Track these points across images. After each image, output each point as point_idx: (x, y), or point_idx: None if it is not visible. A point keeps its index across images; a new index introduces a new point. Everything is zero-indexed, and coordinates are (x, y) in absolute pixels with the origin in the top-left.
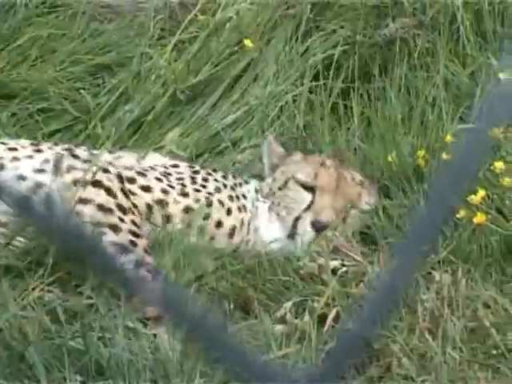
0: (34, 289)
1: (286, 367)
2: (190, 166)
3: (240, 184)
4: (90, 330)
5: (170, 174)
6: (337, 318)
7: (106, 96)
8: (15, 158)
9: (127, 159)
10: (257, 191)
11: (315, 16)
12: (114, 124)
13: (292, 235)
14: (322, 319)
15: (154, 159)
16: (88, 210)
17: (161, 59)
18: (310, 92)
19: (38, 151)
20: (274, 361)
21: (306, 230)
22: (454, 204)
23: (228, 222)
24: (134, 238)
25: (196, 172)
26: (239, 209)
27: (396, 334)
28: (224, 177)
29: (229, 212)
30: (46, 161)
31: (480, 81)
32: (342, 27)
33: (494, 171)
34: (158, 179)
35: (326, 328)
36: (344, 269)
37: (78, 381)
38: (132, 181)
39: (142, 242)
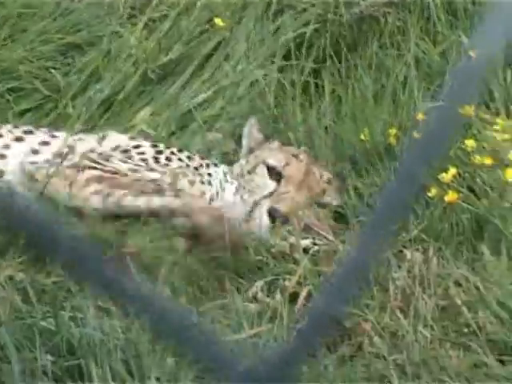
0: (4, 268)
1: (256, 347)
2: (153, 146)
3: (207, 165)
4: (61, 309)
5: (131, 156)
6: (308, 297)
7: (77, 75)
8: None
9: (88, 142)
10: (225, 174)
11: None
12: (84, 103)
13: (248, 219)
14: (293, 298)
15: (116, 140)
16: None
17: (131, 38)
18: (281, 71)
19: None
20: (246, 340)
21: (262, 216)
22: (423, 181)
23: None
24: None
25: (159, 152)
26: (201, 191)
27: (367, 313)
28: (189, 157)
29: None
30: (6, 146)
31: (451, 59)
32: (313, 5)
33: (465, 149)
34: (123, 162)
35: (297, 306)
36: (315, 248)
37: (49, 360)
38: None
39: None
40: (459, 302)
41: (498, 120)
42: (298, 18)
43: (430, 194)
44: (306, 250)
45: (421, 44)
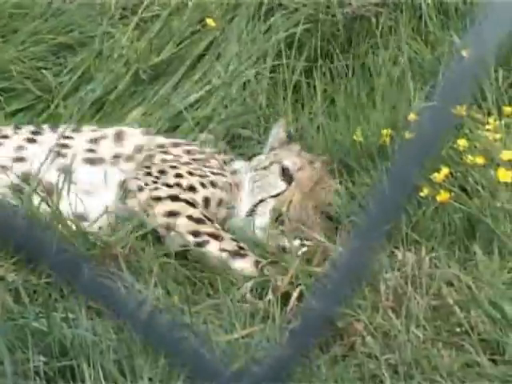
0: None
1: (248, 347)
2: (175, 144)
3: (231, 160)
4: (54, 310)
5: (183, 163)
6: (300, 297)
7: (68, 75)
8: None
9: (135, 136)
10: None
11: None
12: (76, 103)
13: (250, 214)
14: (285, 298)
15: (135, 139)
16: (181, 222)
17: (123, 38)
18: (273, 71)
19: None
20: (238, 340)
21: (264, 213)
22: (415, 182)
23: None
24: (238, 243)
25: (188, 152)
26: (237, 186)
27: (360, 313)
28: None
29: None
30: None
31: (443, 59)
32: (305, 5)
33: (458, 149)
34: (190, 173)
35: (289, 307)
36: (304, 249)
37: (41, 361)
38: (193, 191)
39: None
40: (451, 301)
41: (490, 120)
42: (289, 18)
43: (422, 194)
44: (295, 251)
45: (412, 44)
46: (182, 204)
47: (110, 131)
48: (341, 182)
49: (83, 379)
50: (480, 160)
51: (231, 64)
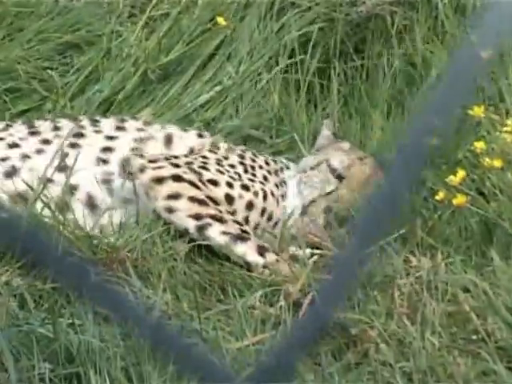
0: (1, 274)
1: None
2: (230, 148)
3: (282, 169)
4: (60, 316)
5: (221, 161)
6: (312, 304)
7: (75, 75)
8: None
9: (188, 139)
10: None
11: None
12: (83, 104)
13: (303, 214)
14: (297, 305)
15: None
16: (183, 204)
17: (131, 37)
18: (285, 71)
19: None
20: (248, 347)
21: (317, 214)
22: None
23: (277, 213)
24: (242, 227)
25: (242, 156)
26: (282, 197)
27: (374, 320)
28: (267, 162)
29: (278, 202)
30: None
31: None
32: (318, 4)
33: (475, 151)
34: (219, 171)
35: (301, 314)
36: (315, 257)
37: (46, 368)
38: (199, 175)
39: (248, 229)
40: (468, 308)
41: (508, 121)
42: (302, 17)
43: (437, 198)
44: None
45: (428, 44)
46: (185, 185)
47: (160, 134)
48: None
49: None
50: (497, 163)
51: (242, 64)
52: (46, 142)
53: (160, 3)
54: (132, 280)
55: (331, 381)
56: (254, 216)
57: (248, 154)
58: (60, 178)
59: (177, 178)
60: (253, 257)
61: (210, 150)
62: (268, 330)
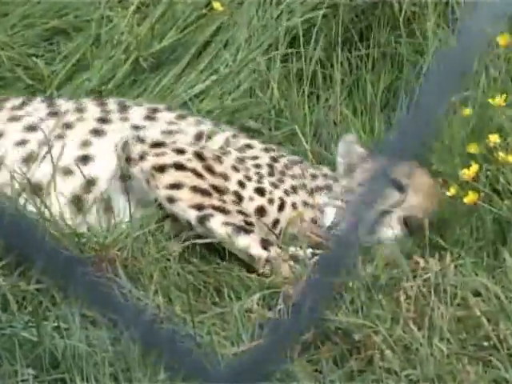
0: None
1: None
2: (266, 149)
3: (327, 187)
4: (44, 319)
5: (245, 160)
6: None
7: (62, 63)
8: None
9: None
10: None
11: None
12: (71, 93)
13: (372, 231)
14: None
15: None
16: (184, 194)
17: (122, 23)
18: (286, 60)
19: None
20: (245, 353)
21: (394, 225)
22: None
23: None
24: (246, 218)
25: (275, 159)
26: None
27: (378, 325)
28: (313, 176)
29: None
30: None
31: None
32: None
33: (488, 145)
34: (234, 167)
35: (301, 318)
36: (316, 258)
37: (30, 374)
38: (207, 163)
39: (255, 221)
40: (478, 312)
41: None
42: (304, 2)
43: (448, 194)
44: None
45: (439, 32)
46: (187, 174)
47: (191, 130)
48: None
49: None
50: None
51: (240, 52)
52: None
53: None
54: (122, 281)
55: None
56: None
57: (283, 160)
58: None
59: (179, 167)
60: (256, 250)
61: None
62: (266, 334)
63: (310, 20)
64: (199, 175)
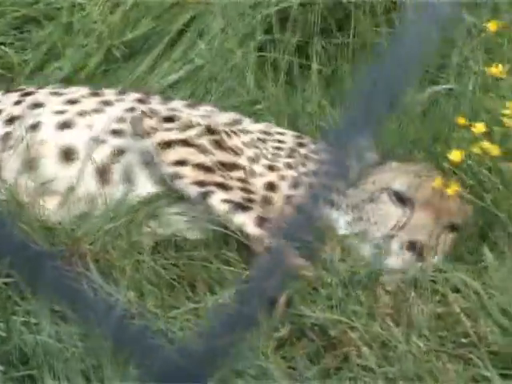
0: None
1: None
2: (296, 136)
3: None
4: (13, 313)
5: (266, 141)
6: (289, 303)
7: (33, 52)
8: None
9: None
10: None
11: None
12: (41, 83)
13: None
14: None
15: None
16: (188, 172)
17: (94, 11)
18: (262, 49)
19: (107, 103)
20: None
21: (400, 251)
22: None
23: None
24: (247, 195)
25: (301, 144)
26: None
27: (355, 321)
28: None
29: None
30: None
31: (456, 38)
32: None
33: (474, 133)
34: (250, 144)
35: (276, 313)
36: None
37: None
38: (219, 137)
39: (257, 198)
40: (458, 309)
41: (509, 104)
42: None
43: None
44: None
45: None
46: (192, 150)
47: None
48: None
49: None
50: (495, 151)
51: (215, 41)
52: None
53: None
54: (93, 275)
55: None
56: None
57: (311, 146)
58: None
59: (185, 143)
60: (251, 228)
61: (264, 131)
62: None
63: (287, 9)
64: (205, 151)
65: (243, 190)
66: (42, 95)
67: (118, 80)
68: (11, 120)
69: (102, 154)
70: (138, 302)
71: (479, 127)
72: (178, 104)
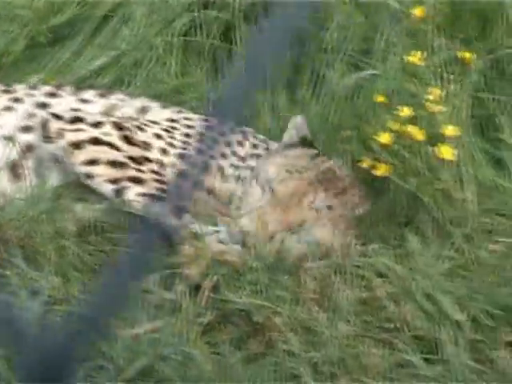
0: None
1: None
2: (205, 120)
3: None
4: None
5: (175, 129)
6: (214, 289)
7: None
8: None
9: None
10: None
11: None
12: None
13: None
14: (197, 289)
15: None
16: (101, 170)
17: None
18: (186, 34)
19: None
20: (143, 336)
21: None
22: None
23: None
24: (162, 186)
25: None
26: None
27: (279, 306)
28: (254, 145)
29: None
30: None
31: (379, 20)
32: None
33: (400, 117)
34: (158, 135)
35: (201, 298)
36: (221, 235)
37: None
38: (128, 133)
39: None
40: (382, 294)
41: (432, 89)
42: None
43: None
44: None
45: (343, 7)
46: (104, 148)
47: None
48: None
49: None
50: (420, 136)
51: (140, 27)
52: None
53: None
54: (17, 261)
55: (231, 372)
56: None
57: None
58: None
59: (95, 141)
60: (168, 218)
61: (172, 119)
62: (165, 316)
63: None
64: (116, 148)
65: (157, 181)
66: None
67: (43, 66)
68: None
69: (12, 150)
70: (63, 288)
71: (405, 111)
72: (89, 94)
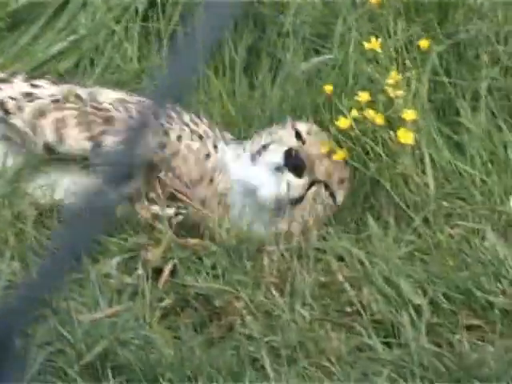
0: None
1: (114, 327)
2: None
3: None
4: None
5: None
6: (174, 272)
7: None
8: None
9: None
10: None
11: None
12: None
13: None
14: (157, 273)
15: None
16: (72, 130)
17: None
18: (145, 19)
19: None
20: (103, 320)
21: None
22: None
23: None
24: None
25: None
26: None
27: (239, 290)
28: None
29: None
30: None
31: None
32: None
33: (359, 102)
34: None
35: (161, 282)
36: (180, 217)
37: None
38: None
39: None
40: (341, 278)
41: (392, 73)
42: None
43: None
44: (169, 220)
45: None
46: (70, 112)
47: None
48: None
49: None
50: (379, 120)
51: (99, 12)
52: None
53: None
54: None
55: (191, 356)
56: None
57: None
58: None
59: (58, 107)
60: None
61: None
62: (124, 301)
63: None
64: (78, 109)
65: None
66: None
67: (2, 51)
68: None
69: None
70: (22, 272)
71: (363, 96)
72: (42, 82)
